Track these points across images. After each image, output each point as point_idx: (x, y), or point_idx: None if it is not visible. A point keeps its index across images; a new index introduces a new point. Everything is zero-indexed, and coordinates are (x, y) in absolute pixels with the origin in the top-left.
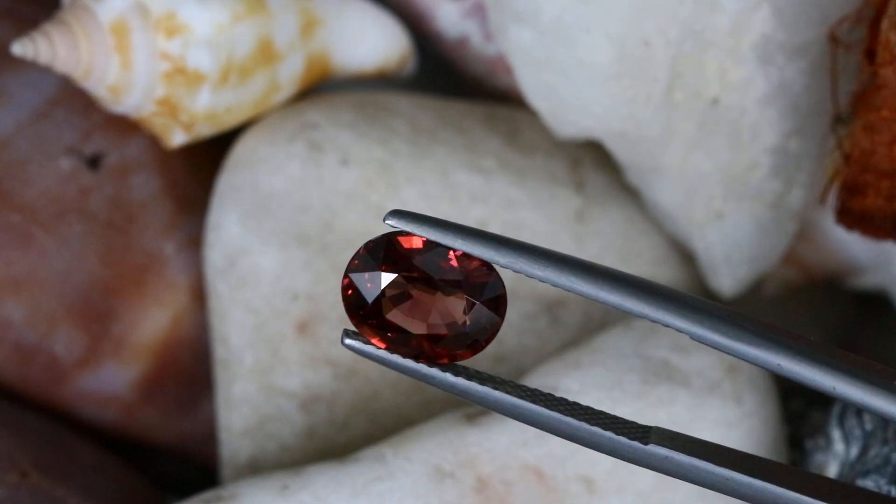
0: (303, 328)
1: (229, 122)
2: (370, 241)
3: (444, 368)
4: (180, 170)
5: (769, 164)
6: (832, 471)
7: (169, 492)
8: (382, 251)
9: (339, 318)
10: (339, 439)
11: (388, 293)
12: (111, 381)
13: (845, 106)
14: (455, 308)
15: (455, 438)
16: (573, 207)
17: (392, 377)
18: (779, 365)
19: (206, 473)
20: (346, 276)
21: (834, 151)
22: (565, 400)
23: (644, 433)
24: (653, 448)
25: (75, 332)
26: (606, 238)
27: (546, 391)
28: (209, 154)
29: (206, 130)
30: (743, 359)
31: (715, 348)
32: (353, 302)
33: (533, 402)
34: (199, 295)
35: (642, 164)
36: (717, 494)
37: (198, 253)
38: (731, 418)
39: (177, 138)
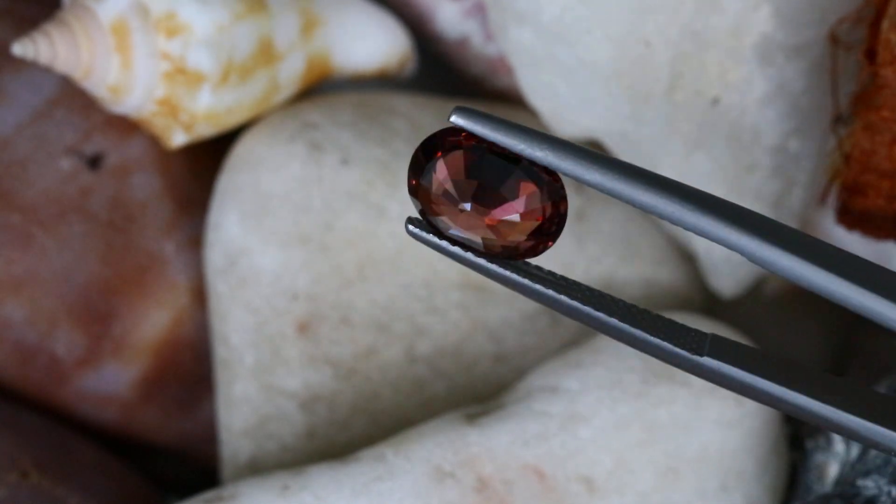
0: (303, 328)
1: (230, 122)
2: (426, 141)
3: (504, 265)
4: (180, 170)
5: (769, 164)
6: (832, 471)
7: (169, 492)
8: (438, 154)
9: (339, 317)
10: (340, 439)
11: (442, 209)
12: (111, 381)
13: (845, 106)
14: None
15: (455, 438)
16: (574, 207)
17: (392, 377)
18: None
19: (207, 473)
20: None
21: (834, 151)
22: (625, 303)
23: (700, 343)
24: (706, 361)
25: (76, 332)
26: (607, 238)
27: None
28: (209, 154)
29: (206, 130)
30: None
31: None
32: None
33: (591, 306)
34: (199, 295)
35: (642, 164)
36: (717, 494)
37: (198, 253)
38: (731, 418)
39: (177, 138)
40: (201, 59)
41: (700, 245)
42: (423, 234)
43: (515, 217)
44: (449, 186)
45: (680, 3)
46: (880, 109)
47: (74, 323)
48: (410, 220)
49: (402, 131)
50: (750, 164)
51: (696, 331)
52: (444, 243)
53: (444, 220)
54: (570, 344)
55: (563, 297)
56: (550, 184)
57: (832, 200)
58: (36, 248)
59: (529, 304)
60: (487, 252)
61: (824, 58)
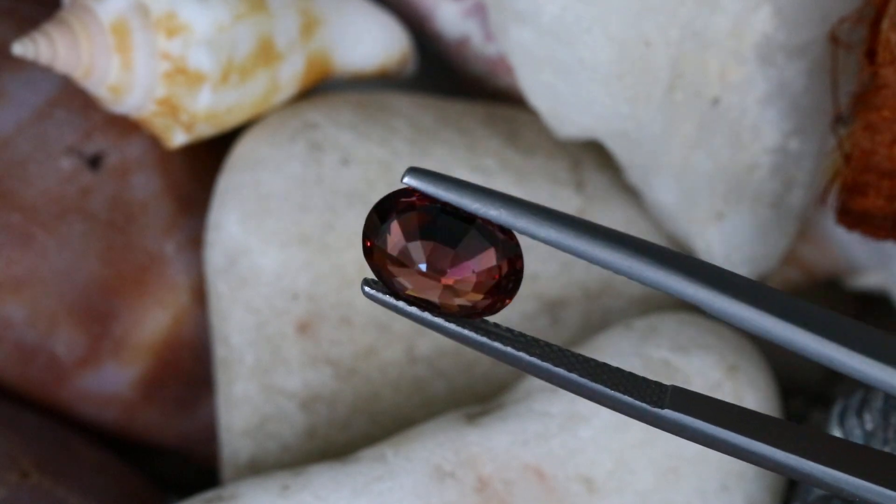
0: (303, 328)
1: (230, 122)
2: (380, 203)
3: (461, 324)
4: (181, 170)
5: (769, 164)
6: None
7: (169, 492)
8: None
9: (339, 317)
10: (340, 439)
11: (395, 272)
12: (112, 381)
13: (846, 106)
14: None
15: (455, 438)
16: (574, 207)
17: (392, 377)
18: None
19: (207, 473)
20: (363, 237)
21: (834, 151)
22: (584, 358)
23: (661, 395)
24: (667, 413)
25: (76, 331)
26: None
27: (565, 350)
28: (210, 154)
29: (206, 130)
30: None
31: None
32: (372, 263)
33: (550, 362)
34: (199, 295)
35: (643, 164)
36: (717, 494)
37: (198, 253)
38: None
39: (177, 138)
40: (201, 59)
41: (700, 245)
42: (380, 295)
43: (471, 277)
44: (403, 248)
45: (680, 3)
46: (880, 109)
47: (74, 323)
48: (367, 282)
49: (402, 131)
50: (750, 164)
51: (657, 383)
52: (401, 304)
53: (399, 281)
54: (571, 344)
55: (521, 355)
56: (506, 242)
57: (832, 200)
58: (36, 247)
59: (529, 305)
60: (445, 311)
61: (824, 58)
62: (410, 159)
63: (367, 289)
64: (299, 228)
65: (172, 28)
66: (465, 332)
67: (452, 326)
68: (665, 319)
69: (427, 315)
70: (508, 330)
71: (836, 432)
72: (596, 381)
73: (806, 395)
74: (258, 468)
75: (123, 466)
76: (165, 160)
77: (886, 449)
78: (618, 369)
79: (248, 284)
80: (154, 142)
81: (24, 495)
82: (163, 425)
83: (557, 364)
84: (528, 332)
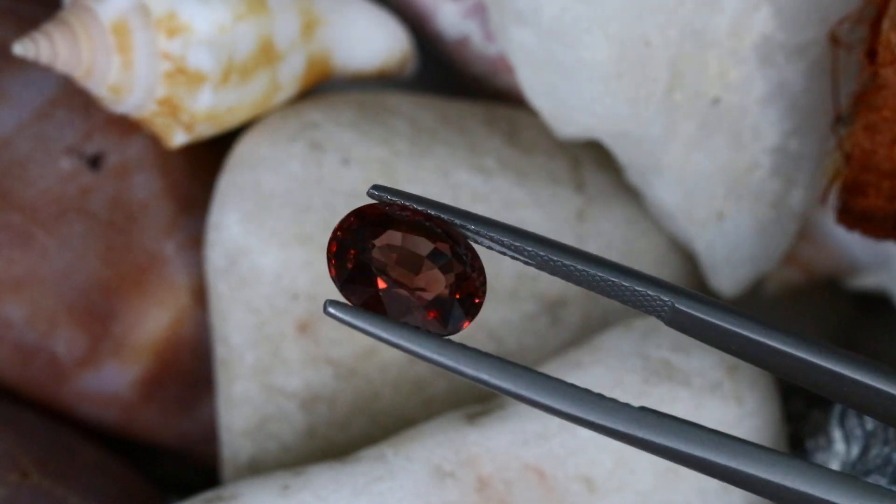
0: (303, 328)
1: (230, 121)
2: (351, 215)
3: (427, 341)
4: (181, 170)
5: (769, 164)
6: None
7: (169, 492)
8: (364, 224)
9: None
10: (340, 439)
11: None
12: (112, 381)
13: (846, 106)
14: (437, 281)
15: (456, 438)
16: (574, 207)
17: (392, 376)
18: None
19: (207, 473)
20: (331, 243)
21: (834, 151)
22: (558, 381)
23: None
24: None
25: (76, 331)
26: (607, 238)
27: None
28: (210, 154)
29: (207, 130)
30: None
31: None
32: (339, 274)
33: (513, 382)
34: (199, 294)
35: (643, 164)
36: (717, 494)
37: (198, 253)
38: (732, 418)
39: (178, 138)
40: (202, 59)
41: (700, 245)
42: (346, 316)
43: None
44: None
45: (680, 3)
46: (880, 109)
47: (74, 323)
48: (330, 303)
49: (402, 131)
50: (750, 164)
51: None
52: (366, 324)
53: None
54: (570, 344)
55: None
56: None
57: (832, 200)
58: (36, 248)
59: (529, 304)
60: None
61: (824, 58)
62: (411, 159)
63: (330, 309)
64: (299, 228)
65: (173, 28)
66: (429, 352)
67: (419, 347)
68: None
69: (391, 335)
70: (476, 350)
71: (837, 432)
72: (562, 401)
73: (806, 395)
74: (258, 468)
75: (123, 466)
76: (165, 160)
77: (886, 449)
78: (587, 391)
79: (248, 284)
80: (154, 142)
81: (24, 495)
82: (163, 425)
83: (524, 388)
84: (528, 332)
